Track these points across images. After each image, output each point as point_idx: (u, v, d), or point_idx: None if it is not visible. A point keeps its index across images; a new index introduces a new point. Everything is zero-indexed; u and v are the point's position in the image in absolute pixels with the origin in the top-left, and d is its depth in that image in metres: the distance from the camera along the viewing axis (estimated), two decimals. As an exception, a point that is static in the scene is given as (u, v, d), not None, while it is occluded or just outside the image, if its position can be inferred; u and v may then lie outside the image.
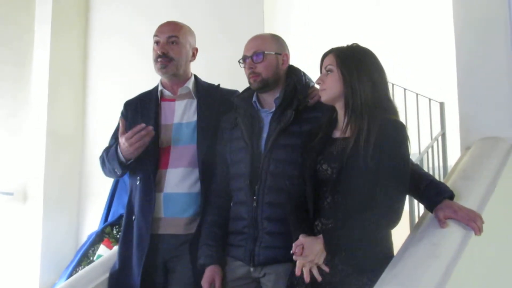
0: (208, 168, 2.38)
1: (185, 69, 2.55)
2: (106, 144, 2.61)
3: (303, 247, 1.83)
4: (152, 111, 2.51)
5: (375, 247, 1.89)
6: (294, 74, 2.30)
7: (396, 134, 1.91)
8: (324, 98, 2.04)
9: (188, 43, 2.55)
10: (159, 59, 2.47)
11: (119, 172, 2.46)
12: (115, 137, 2.58)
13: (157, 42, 2.51)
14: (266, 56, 2.25)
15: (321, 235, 1.85)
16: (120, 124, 2.39)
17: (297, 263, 1.84)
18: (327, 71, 2.03)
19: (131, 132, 2.30)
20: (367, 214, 1.83)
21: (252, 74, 2.25)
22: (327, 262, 1.85)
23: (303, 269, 1.83)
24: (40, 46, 5.32)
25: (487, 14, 2.62)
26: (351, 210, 1.87)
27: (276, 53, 2.27)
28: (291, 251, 1.86)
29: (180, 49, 2.50)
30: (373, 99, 1.95)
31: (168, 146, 2.47)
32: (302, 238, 1.87)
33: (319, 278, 1.82)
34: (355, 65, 1.98)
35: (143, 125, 2.30)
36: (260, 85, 2.25)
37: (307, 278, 1.82)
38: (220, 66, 3.84)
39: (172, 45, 2.48)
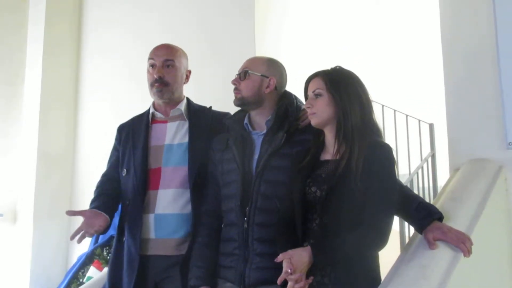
0: (199, 189, 2.39)
1: (180, 92, 2.57)
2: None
3: (291, 260, 1.82)
4: (142, 134, 2.52)
5: (364, 268, 1.90)
6: (286, 97, 2.31)
7: (385, 156, 1.93)
8: (315, 122, 2.04)
9: (183, 66, 2.56)
10: (155, 84, 2.48)
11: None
12: (110, 163, 2.59)
13: (152, 66, 2.51)
14: (250, 75, 2.28)
15: (308, 246, 1.86)
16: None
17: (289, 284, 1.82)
18: (316, 95, 2.03)
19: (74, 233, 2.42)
20: (354, 233, 1.83)
21: (235, 89, 2.31)
22: (316, 282, 1.85)
23: (296, 285, 1.80)
24: (32, 66, 5.32)
25: (475, 39, 2.66)
26: (339, 231, 1.86)
27: (262, 75, 2.29)
28: (275, 259, 1.86)
29: (175, 73, 2.51)
30: (362, 121, 1.97)
31: (159, 167, 2.46)
32: (289, 251, 1.86)
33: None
34: (344, 88, 1.99)
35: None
36: (238, 102, 2.30)
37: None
38: (211, 88, 3.86)
39: (168, 68, 2.49)
